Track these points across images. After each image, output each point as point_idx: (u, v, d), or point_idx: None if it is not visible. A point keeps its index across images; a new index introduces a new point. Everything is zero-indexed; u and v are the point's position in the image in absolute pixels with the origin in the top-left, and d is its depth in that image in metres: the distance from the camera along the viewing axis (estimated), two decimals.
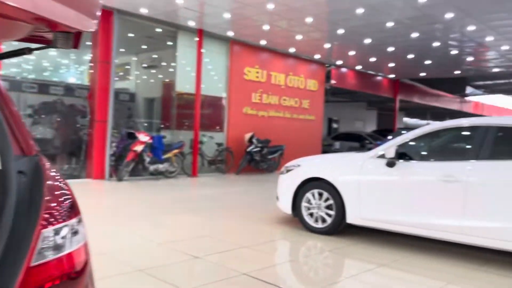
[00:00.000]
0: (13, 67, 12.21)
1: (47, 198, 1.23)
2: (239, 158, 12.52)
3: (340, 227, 5.33)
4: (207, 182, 10.61)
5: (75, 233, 1.28)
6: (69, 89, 12.23)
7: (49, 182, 1.30)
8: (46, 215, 1.19)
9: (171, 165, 10.62)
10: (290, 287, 3.79)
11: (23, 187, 1.21)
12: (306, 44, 12.83)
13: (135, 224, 5.67)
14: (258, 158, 12.55)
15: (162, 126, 12.39)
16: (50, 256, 1.17)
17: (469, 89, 23.32)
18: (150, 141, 10.17)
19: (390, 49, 12.98)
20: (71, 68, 16.43)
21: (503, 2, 8.44)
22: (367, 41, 12.00)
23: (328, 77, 15.88)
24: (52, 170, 1.41)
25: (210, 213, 6.60)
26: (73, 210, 1.31)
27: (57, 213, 1.23)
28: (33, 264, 1.12)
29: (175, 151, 10.70)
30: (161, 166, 10.35)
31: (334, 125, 24.84)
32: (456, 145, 5.14)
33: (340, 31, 11.14)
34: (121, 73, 15.09)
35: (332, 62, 15.75)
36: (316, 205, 5.47)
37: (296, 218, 5.76)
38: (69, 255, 1.23)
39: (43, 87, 11.70)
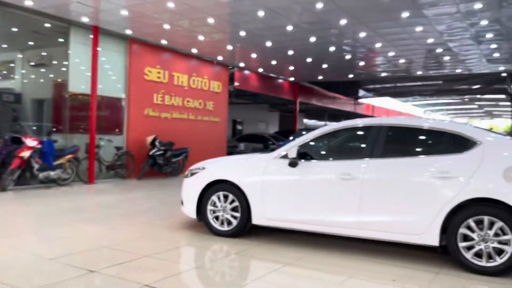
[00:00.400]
0: None
1: None
2: (140, 162, 11.98)
3: (246, 229, 5.29)
4: (105, 189, 9.95)
5: None
6: None
7: None
8: None
9: (64, 172, 9.76)
10: None
11: None
12: (208, 45, 12.72)
13: (21, 239, 5.06)
14: (162, 162, 12.14)
15: (54, 129, 11.37)
16: None
17: (361, 92, 25.17)
18: (39, 146, 9.25)
19: (290, 52, 13.41)
20: None
21: (390, 11, 9.16)
22: (268, 44, 12.26)
23: (231, 79, 15.95)
24: None
25: (109, 222, 6.15)
26: None
27: None
28: None
29: (69, 156, 9.87)
30: (52, 173, 9.46)
31: (239, 127, 25.12)
32: (352, 144, 5.39)
33: (242, 33, 11.22)
34: (4, 72, 13.66)
35: (235, 64, 15.86)
36: (221, 208, 5.36)
37: (202, 222, 5.61)
38: None
39: None
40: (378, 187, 4.58)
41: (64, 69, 11.06)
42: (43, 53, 12.94)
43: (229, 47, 13.02)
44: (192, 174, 5.69)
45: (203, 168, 5.62)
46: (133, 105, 12.09)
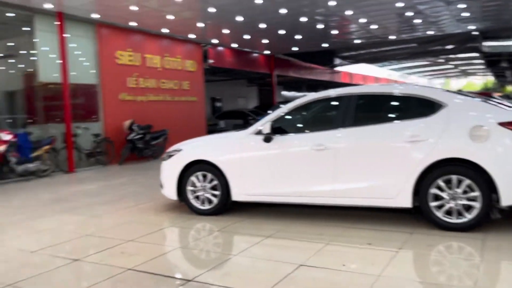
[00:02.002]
0: None
1: None
2: (120, 148, 11.93)
3: (227, 206, 5.40)
4: (86, 177, 9.92)
5: None
6: None
7: None
8: None
9: (42, 163, 9.68)
10: (179, 274, 3.72)
11: None
12: (179, 24, 12.53)
13: (5, 234, 5.06)
14: (141, 146, 12.10)
15: (29, 121, 11.18)
16: None
17: (337, 60, 25.15)
18: (14, 139, 9.12)
19: (262, 26, 13.30)
20: None
21: None
22: (239, 19, 12.12)
23: (205, 56, 15.79)
24: None
25: (91, 210, 6.18)
26: None
27: None
28: None
29: (46, 147, 9.77)
30: (31, 166, 9.37)
31: (218, 104, 24.99)
32: (324, 115, 5.46)
33: (212, 10, 11.06)
34: None
35: (208, 41, 15.67)
36: (201, 188, 5.45)
37: (183, 203, 5.69)
38: None
39: None
40: (351, 155, 4.70)
41: (32, 58, 10.79)
42: (10, 44, 12.58)
43: (200, 25, 12.85)
44: (170, 156, 5.73)
45: (180, 150, 5.66)
46: (107, 90, 11.93)
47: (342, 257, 3.83)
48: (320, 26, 13.89)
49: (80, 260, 3.98)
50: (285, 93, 29.68)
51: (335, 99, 5.13)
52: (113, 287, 3.35)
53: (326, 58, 23.54)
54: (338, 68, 27.68)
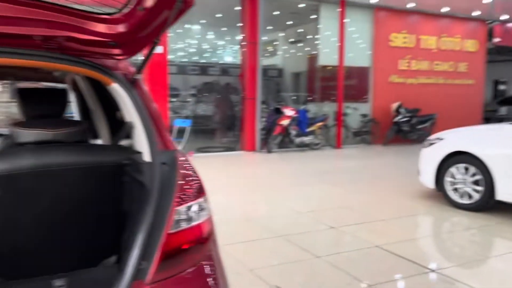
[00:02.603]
0: (179, 52, 14.04)
1: (181, 182, 1.63)
2: (385, 129, 12.20)
3: (489, 204, 4.98)
4: (351, 154, 10.68)
5: (202, 209, 1.66)
6: (224, 70, 13.46)
7: (182, 171, 1.70)
8: (181, 195, 1.59)
9: (315, 138, 10.97)
10: (423, 261, 3.76)
11: (165, 174, 1.63)
12: (461, 1, 11.61)
13: (279, 193, 6.19)
14: (407, 129, 12.04)
15: (309, 99, 12.76)
16: (184, 226, 1.57)
17: None
18: (296, 115, 10.64)
19: None
20: (226, 49, 17.84)
21: None
22: None
23: (490, 35, 14.09)
24: (186, 161, 1.81)
25: (351, 185, 6.76)
26: (200, 192, 1.69)
27: (189, 194, 1.63)
28: (171, 231, 1.52)
29: (319, 124, 11.00)
30: (306, 139, 10.78)
31: (502, 88, 21.92)
32: None
33: None
34: (271, 49, 15.84)
35: (495, 17, 13.89)
36: (461, 180, 5.19)
37: (440, 193, 5.56)
38: (198, 226, 1.62)
39: (203, 68, 13.17)
40: None
41: (315, 43, 12.15)
42: (299, 30, 14.46)
43: (487, 0, 11.54)
44: (430, 144, 5.66)
45: (442, 139, 5.51)
46: (378, 73, 12.30)
47: None
48: None
49: (335, 228, 4.54)
50: None
51: None
52: (359, 259, 3.72)
53: None
54: None
